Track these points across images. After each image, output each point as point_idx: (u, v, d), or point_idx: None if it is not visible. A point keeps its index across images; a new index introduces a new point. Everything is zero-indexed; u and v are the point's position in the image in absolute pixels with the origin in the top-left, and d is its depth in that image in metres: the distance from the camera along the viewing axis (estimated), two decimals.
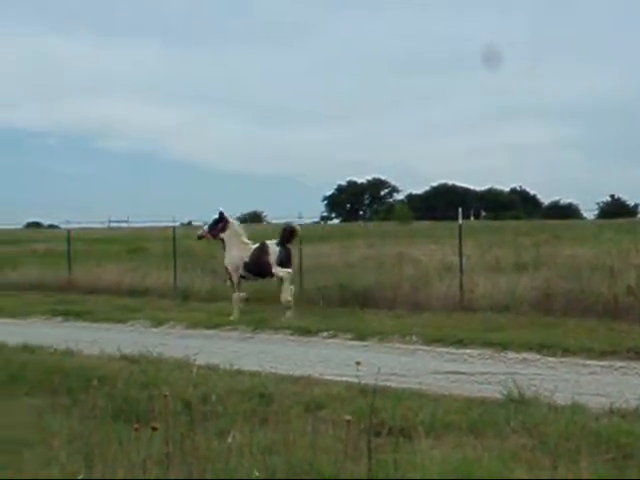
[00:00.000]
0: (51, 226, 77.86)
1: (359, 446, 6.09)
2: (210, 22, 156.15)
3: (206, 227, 19.65)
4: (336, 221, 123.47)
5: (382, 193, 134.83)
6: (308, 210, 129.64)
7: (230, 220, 19.36)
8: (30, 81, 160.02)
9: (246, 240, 19.12)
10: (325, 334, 15.74)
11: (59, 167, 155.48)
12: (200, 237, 19.94)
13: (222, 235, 19.21)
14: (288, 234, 18.75)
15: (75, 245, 27.73)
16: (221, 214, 19.39)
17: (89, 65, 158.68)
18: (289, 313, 17.84)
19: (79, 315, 19.94)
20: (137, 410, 8.28)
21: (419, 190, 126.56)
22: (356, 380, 9.17)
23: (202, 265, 25.42)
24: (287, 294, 18.15)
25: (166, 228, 29.32)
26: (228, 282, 19.31)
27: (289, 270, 18.44)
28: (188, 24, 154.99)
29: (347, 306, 18.71)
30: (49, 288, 25.60)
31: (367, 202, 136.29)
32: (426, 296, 18.42)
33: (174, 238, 24.72)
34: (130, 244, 37.70)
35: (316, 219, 71.44)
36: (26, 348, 13.50)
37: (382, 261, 23.07)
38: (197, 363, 11.48)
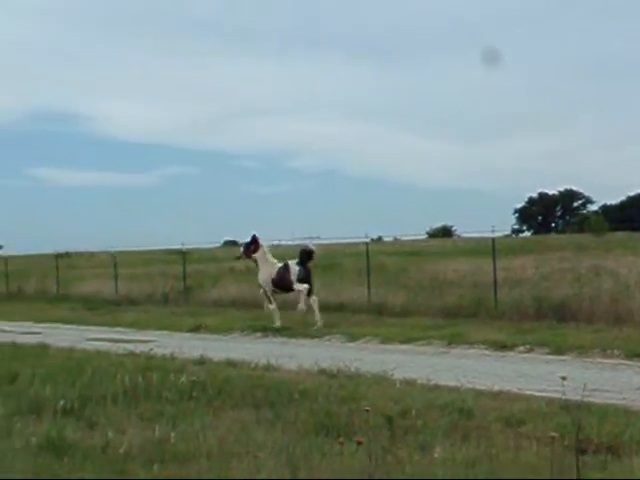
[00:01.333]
0: None
1: (564, 463, 5.98)
2: (402, 38, 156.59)
3: (241, 249, 22.63)
4: (527, 234, 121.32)
5: (575, 204, 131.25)
6: (499, 223, 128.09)
7: (260, 242, 21.93)
8: (228, 105, 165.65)
9: (273, 260, 21.79)
10: (521, 348, 15.49)
11: (253, 187, 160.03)
12: (238, 258, 23.26)
13: (254, 256, 21.89)
14: (306, 255, 21.16)
15: None
16: (253, 237, 22.01)
17: (278, 86, 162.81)
18: (319, 323, 20.17)
19: (277, 330, 20.43)
20: (338, 424, 8.40)
21: (614, 200, 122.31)
22: (556, 395, 8.99)
23: (395, 280, 25.63)
24: (302, 304, 20.69)
25: (355, 244, 29.74)
26: (261, 291, 21.85)
27: (306, 285, 20.75)
28: (379, 40, 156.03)
29: (543, 320, 18.34)
30: (247, 304, 26.31)
31: (559, 214, 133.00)
32: (627, 309, 17.78)
33: (367, 253, 25.06)
34: (323, 260, 38.24)
35: (507, 232, 70.56)
36: (229, 363, 13.90)
37: (578, 273, 22.49)
38: (394, 378, 11.56)
